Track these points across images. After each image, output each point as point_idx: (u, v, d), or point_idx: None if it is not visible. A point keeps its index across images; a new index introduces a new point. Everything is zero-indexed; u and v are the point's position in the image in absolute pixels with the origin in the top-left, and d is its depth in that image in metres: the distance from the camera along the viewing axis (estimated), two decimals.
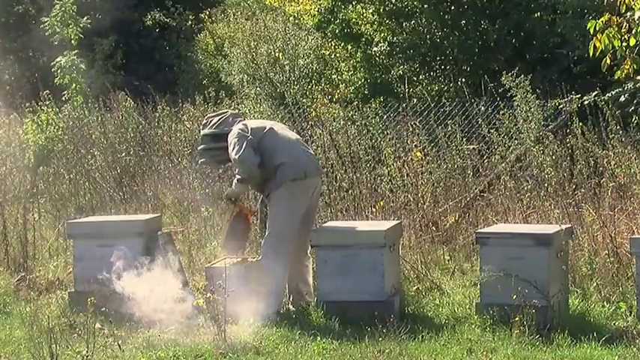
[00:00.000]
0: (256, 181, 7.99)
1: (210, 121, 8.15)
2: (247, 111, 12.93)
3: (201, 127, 8.39)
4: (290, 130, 8.41)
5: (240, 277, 7.71)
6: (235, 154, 7.80)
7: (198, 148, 8.30)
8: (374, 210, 9.95)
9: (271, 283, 7.76)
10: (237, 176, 7.87)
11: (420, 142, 10.61)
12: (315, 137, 11.04)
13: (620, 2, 8.06)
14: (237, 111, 9.42)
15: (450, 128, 11.29)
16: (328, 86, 18.50)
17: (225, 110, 8.73)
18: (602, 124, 10.13)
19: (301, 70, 18.17)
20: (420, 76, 17.31)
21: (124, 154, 11.81)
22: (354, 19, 17.88)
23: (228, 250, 8.10)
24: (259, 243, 8.29)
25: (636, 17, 7.90)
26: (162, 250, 8.05)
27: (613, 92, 12.51)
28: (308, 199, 7.98)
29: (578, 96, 12.03)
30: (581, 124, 10.02)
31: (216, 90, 15.50)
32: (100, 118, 12.70)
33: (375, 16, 17.50)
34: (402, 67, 16.95)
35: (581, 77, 14.97)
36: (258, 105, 14.00)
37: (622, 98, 12.49)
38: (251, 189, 8.93)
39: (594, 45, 8.02)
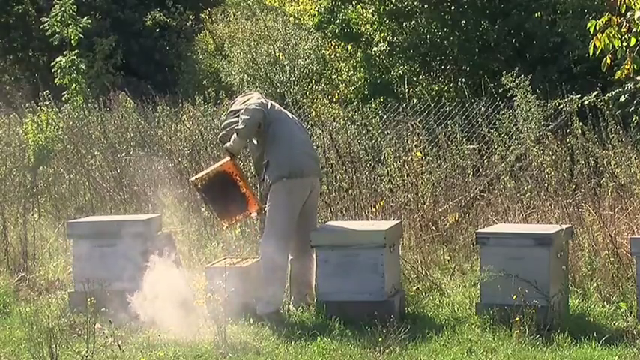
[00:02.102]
0: (254, 155, 8.09)
1: (237, 100, 8.34)
2: None
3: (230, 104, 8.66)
4: (304, 130, 8.42)
5: (240, 277, 7.72)
6: (245, 106, 7.93)
7: (222, 124, 8.41)
8: (374, 210, 9.95)
9: (271, 283, 7.76)
10: (237, 127, 7.91)
11: (420, 142, 10.60)
12: (315, 137, 11.03)
13: (620, 2, 8.06)
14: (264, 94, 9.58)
15: (450, 128, 11.29)
16: (328, 86, 18.50)
17: (253, 92, 8.80)
18: (602, 124, 10.13)
19: (301, 70, 18.16)
20: (420, 76, 17.32)
21: (124, 154, 11.80)
22: (354, 19, 17.87)
23: (224, 218, 8.12)
24: (259, 243, 8.29)
25: (636, 17, 7.90)
26: (162, 250, 8.05)
27: (613, 92, 12.52)
28: (305, 197, 7.97)
29: (578, 96, 12.04)
30: (581, 124, 10.02)
31: (216, 90, 15.46)
32: (100, 118, 12.68)
33: (375, 16, 17.49)
34: (402, 67, 16.95)
35: (581, 77, 14.97)
36: None
37: (622, 98, 12.49)
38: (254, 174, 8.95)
39: (594, 45, 8.01)
